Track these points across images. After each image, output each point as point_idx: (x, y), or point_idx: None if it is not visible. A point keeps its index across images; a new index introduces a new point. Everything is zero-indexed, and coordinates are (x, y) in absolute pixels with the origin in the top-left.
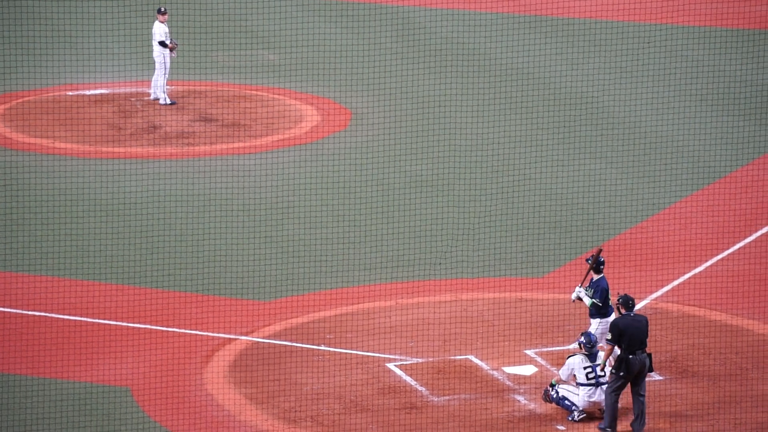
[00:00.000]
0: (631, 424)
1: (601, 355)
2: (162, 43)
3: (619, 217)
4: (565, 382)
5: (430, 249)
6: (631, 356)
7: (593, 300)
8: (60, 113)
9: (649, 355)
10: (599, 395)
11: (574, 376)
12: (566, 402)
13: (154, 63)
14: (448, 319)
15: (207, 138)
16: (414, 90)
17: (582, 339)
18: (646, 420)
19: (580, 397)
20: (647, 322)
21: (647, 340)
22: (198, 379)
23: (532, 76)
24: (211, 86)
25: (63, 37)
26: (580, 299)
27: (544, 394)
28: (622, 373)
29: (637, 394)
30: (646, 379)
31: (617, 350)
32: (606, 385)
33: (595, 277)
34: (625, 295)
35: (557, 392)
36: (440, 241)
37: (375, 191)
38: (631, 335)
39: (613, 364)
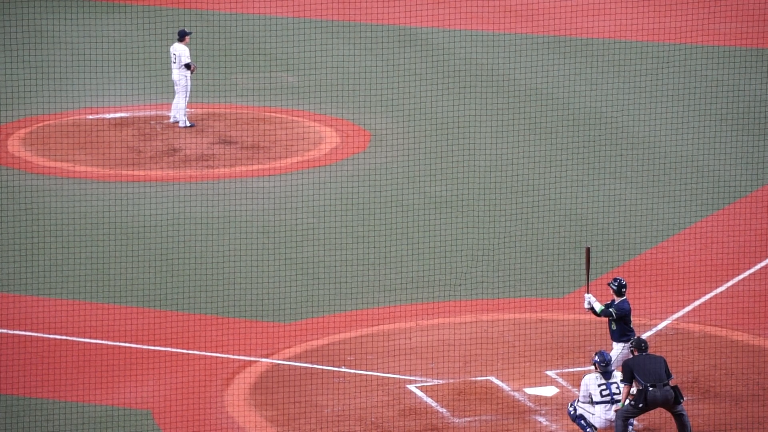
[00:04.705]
0: None
1: (617, 374)
2: (187, 65)
3: (640, 237)
4: (584, 402)
5: (450, 270)
6: (651, 388)
7: (602, 307)
8: (80, 137)
9: (675, 387)
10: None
11: (590, 395)
12: (582, 422)
13: (174, 86)
14: (468, 340)
15: (226, 160)
16: (433, 111)
17: (596, 358)
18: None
19: (596, 415)
20: (664, 360)
21: (667, 374)
22: (219, 401)
23: (551, 96)
24: (231, 109)
25: (83, 61)
26: (591, 308)
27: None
28: (641, 405)
29: (677, 414)
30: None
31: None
32: (619, 410)
33: (617, 299)
34: (638, 338)
35: (575, 409)
36: (460, 262)
37: (395, 212)
38: (644, 370)
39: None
